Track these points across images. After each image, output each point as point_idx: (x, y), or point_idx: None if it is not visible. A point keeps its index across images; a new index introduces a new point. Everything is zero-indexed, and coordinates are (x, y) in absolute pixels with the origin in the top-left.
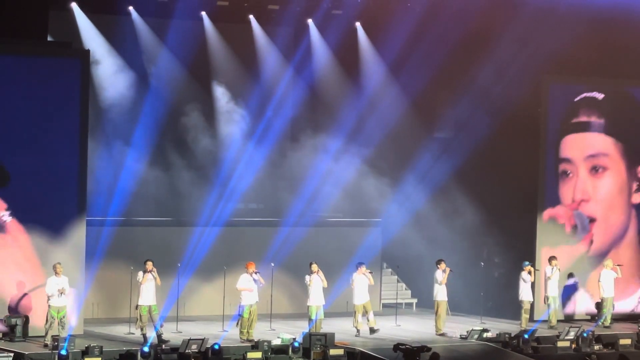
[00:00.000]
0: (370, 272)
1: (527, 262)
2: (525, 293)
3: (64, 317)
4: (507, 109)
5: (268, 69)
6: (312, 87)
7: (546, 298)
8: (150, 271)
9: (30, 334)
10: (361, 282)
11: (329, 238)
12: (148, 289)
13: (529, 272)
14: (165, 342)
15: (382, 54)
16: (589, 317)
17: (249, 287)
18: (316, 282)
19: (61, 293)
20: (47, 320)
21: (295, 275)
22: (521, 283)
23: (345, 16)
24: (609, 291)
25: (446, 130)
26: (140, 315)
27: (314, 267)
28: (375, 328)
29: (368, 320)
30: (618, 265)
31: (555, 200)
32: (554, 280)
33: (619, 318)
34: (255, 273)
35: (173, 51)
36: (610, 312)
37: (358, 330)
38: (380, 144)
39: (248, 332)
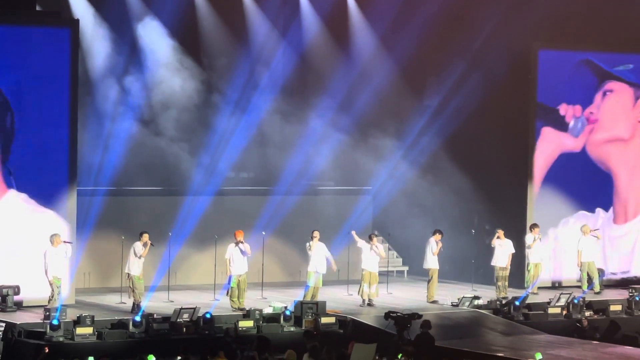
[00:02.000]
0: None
1: (497, 229)
2: (494, 259)
3: (59, 286)
4: (497, 75)
5: (257, 37)
6: (302, 55)
7: (527, 265)
8: (152, 244)
9: (22, 305)
10: (368, 249)
11: (320, 206)
12: (142, 259)
13: (498, 238)
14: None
15: (372, 22)
16: (579, 284)
17: (233, 257)
18: (317, 249)
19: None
20: (52, 292)
21: (287, 243)
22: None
23: None
24: (587, 257)
25: (437, 97)
26: (135, 284)
27: (316, 233)
28: (373, 303)
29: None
30: (595, 230)
31: None
32: (536, 248)
33: (610, 284)
34: (242, 243)
35: (162, 20)
36: (597, 277)
37: (363, 301)
38: (371, 112)
39: (239, 301)
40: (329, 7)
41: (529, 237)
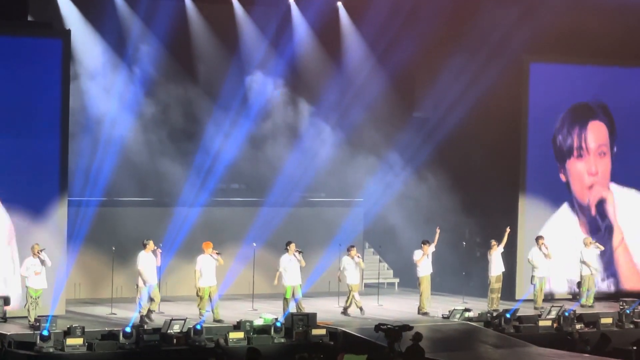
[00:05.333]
0: (358, 256)
1: (492, 240)
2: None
3: (39, 297)
4: (489, 88)
5: (249, 48)
6: (293, 66)
7: (532, 278)
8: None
9: (9, 315)
10: (352, 263)
11: (311, 218)
12: (152, 268)
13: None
14: (146, 322)
15: (363, 34)
16: (570, 297)
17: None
18: (294, 262)
19: (42, 252)
20: (26, 301)
21: (277, 255)
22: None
23: None
24: (588, 269)
25: (428, 109)
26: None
27: (292, 247)
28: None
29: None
30: (595, 242)
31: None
32: (544, 261)
33: (601, 297)
34: (218, 253)
35: (154, 31)
36: (593, 291)
37: (361, 309)
38: (362, 124)
39: (213, 312)
40: (320, 20)
41: (535, 251)
